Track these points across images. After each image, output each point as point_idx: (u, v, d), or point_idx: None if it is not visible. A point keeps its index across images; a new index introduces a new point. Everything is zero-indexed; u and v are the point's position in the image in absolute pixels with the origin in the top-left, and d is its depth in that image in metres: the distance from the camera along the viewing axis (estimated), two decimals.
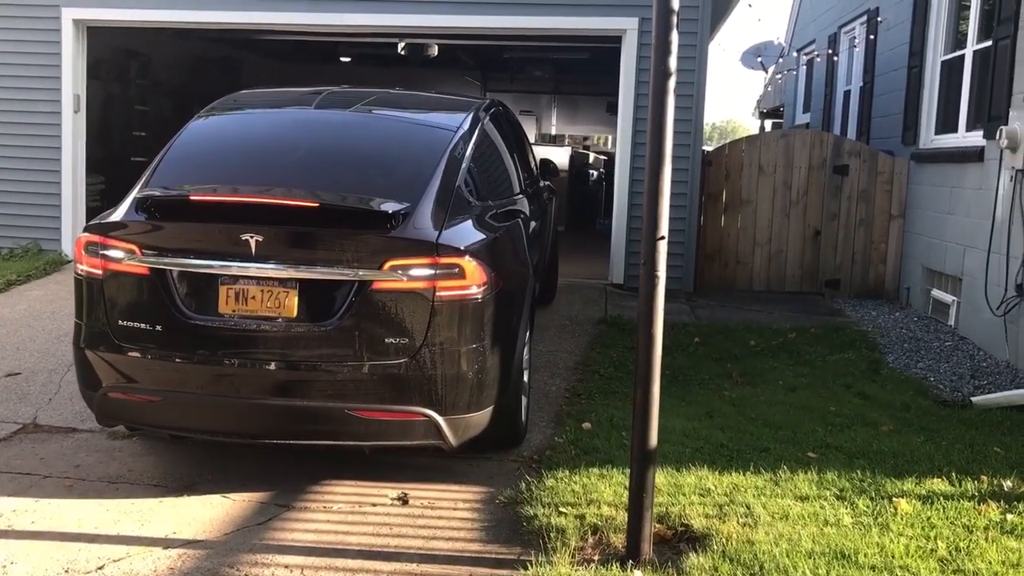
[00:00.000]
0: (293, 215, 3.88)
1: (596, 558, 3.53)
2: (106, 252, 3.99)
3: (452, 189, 4.25)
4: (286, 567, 3.51)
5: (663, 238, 3.42)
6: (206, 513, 3.93)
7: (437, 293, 3.82)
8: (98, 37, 9.88)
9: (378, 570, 3.50)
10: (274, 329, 3.87)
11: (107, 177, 10.67)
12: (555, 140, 23.22)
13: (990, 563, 3.43)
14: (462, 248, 3.92)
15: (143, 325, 3.94)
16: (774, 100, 19.27)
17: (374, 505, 4.07)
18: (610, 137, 31.16)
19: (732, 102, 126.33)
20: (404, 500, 4.11)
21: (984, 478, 4.32)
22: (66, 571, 3.43)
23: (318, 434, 3.98)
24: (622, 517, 3.76)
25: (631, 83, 8.96)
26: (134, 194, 4.24)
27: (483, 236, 4.25)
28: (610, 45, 9.80)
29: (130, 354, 3.97)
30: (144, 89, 13.41)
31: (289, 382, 3.90)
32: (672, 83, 3.41)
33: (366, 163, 4.49)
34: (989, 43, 7.45)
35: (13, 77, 9.49)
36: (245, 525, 3.83)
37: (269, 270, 3.85)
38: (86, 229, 4.12)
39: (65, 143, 9.47)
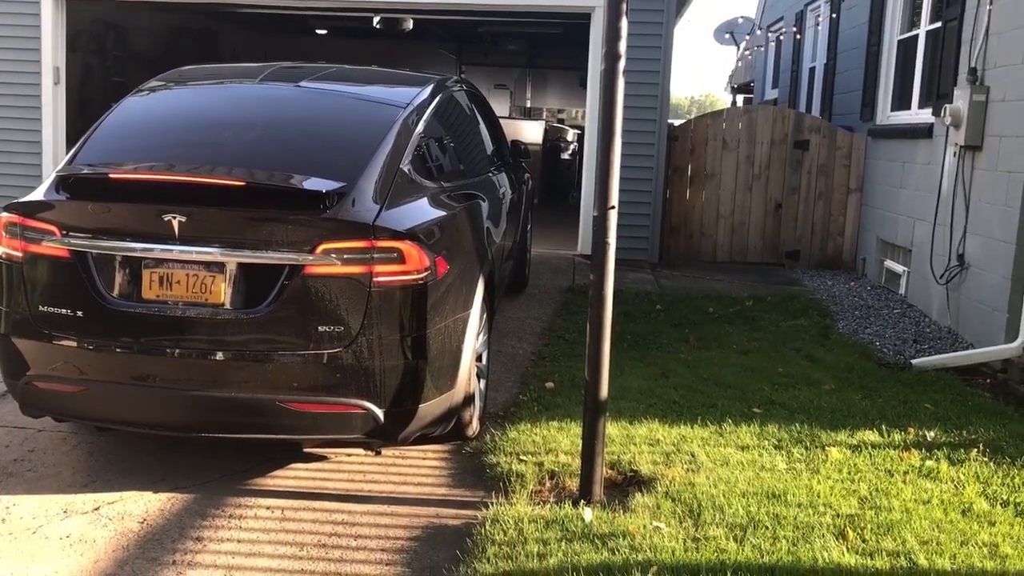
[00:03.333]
0: (220, 195, 3.69)
1: (551, 500, 3.87)
2: (26, 233, 3.81)
3: (396, 168, 4.03)
4: (268, 508, 3.82)
5: (613, 207, 3.73)
6: (190, 461, 4.23)
7: (374, 279, 3.64)
8: (76, 8, 10.01)
9: (352, 511, 3.82)
10: (200, 316, 3.67)
11: None
12: (530, 114, 23.46)
13: (904, 500, 3.82)
14: (402, 231, 3.72)
15: (64, 311, 3.76)
16: (745, 76, 19.59)
17: (349, 456, 4.39)
18: (582, 112, 31.43)
19: (710, 76, 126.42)
20: (377, 452, 4.42)
21: (911, 430, 4.70)
22: (64, 511, 3.73)
23: (249, 427, 3.82)
24: (577, 464, 4.09)
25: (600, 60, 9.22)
26: (56, 171, 4.06)
27: (430, 218, 4.09)
28: (580, 22, 10.06)
29: (52, 342, 3.79)
30: (121, 61, 13.51)
31: (217, 372, 3.68)
32: (622, 65, 3.72)
33: (306, 140, 4.25)
34: (940, 24, 7.80)
35: None
36: (228, 472, 4.14)
37: (193, 253, 3.66)
38: (5, 209, 3.92)
39: (45, 116, 9.64)
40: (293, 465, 4.27)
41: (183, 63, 5.37)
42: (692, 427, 4.67)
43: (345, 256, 3.65)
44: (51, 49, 9.59)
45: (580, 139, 17.80)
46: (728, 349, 6.42)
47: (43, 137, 9.68)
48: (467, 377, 4.29)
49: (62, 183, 3.95)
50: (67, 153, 9.86)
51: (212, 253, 3.67)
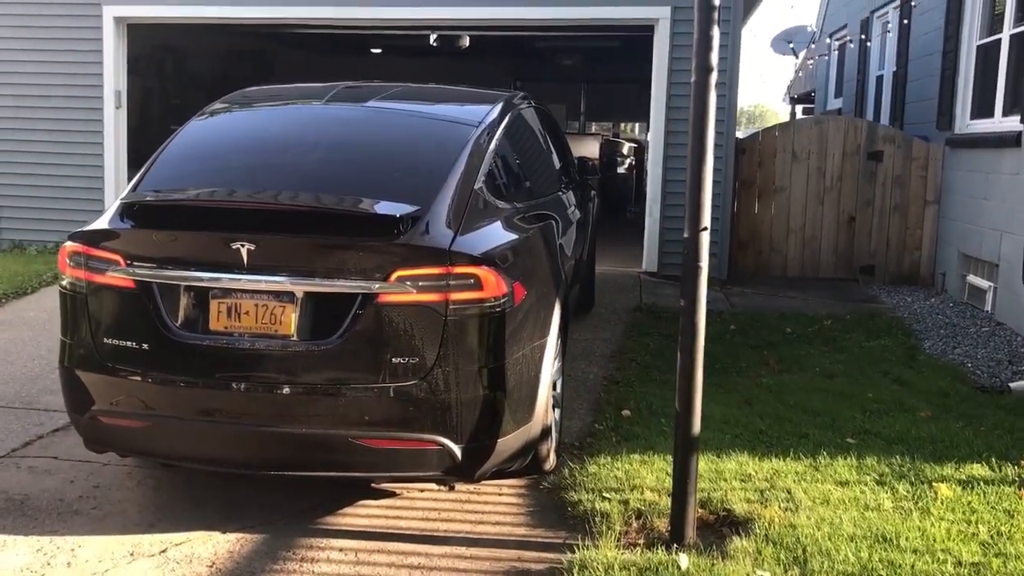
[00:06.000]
0: (290, 221, 3.58)
1: (641, 542, 3.62)
2: (90, 263, 3.68)
3: (471, 189, 3.86)
4: (340, 550, 3.62)
5: (706, 228, 3.49)
6: (258, 498, 4.05)
7: (450, 306, 3.44)
8: (137, 33, 10.07)
9: (430, 553, 3.61)
10: (270, 348, 3.51)
11: None
12: (586, 129, 23.23)
13: None
14: (478, 255, 3.53)
15: (129, 343, 3.62)
16: (805, 85, 19.15)
17: (421, 491, 4.18)
18: (638, 125, 31.12)
19: (761, 87, 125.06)
20: (451, 487, 4.20)
21: None
22: (131, 554, 3.57)
23: (319, 464, 3.63)
24: (665, 502, 3.85)
25: (664, 72, 8.99)
26: (121, 198, 3.93)
27: (505, 242, 3.90)
28: (642, 34, 9.83)
29: (116, 375, 3.66)
30: (180, 84, 13.62)
31: (286, 407, 3.52)
32: (714, 78, 3.47)
33: (376, 162, 4.09)
34: None
35: (56, 75, 9.71)
36: (297, 510, 3.95)
37: (262, 282, 3.49)
38: (70, 237, 3.79)
39: (107, 139, 9.68)
40: (364, 502, 4.07)
41: (240, 85, 5.26)
42: (784, 460, 4.38)
43: (420, 283, 3.46)
44: (113, 73, 9.64)
45: (636, 153, 17.54)
46: (811, 372, 6.10)
47: (105, 162, 9.72)
48: (544, 408, 4.07)
49: (127, 210, 3.82)
50: (128, 178, 9.96)
51: (281, 282, 3.51)
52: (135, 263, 3.63)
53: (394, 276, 3.45)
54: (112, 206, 3.92)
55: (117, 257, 3.65)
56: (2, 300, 7.73)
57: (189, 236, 3.64)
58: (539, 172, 5.32)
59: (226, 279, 3.53)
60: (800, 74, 19.53)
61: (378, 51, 17.34)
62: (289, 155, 4.16)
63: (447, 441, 3.54)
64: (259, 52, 15.68)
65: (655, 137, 9.13)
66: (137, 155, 10.50)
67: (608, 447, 4.61)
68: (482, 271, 3.52)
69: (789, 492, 3.99)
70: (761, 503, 3.88)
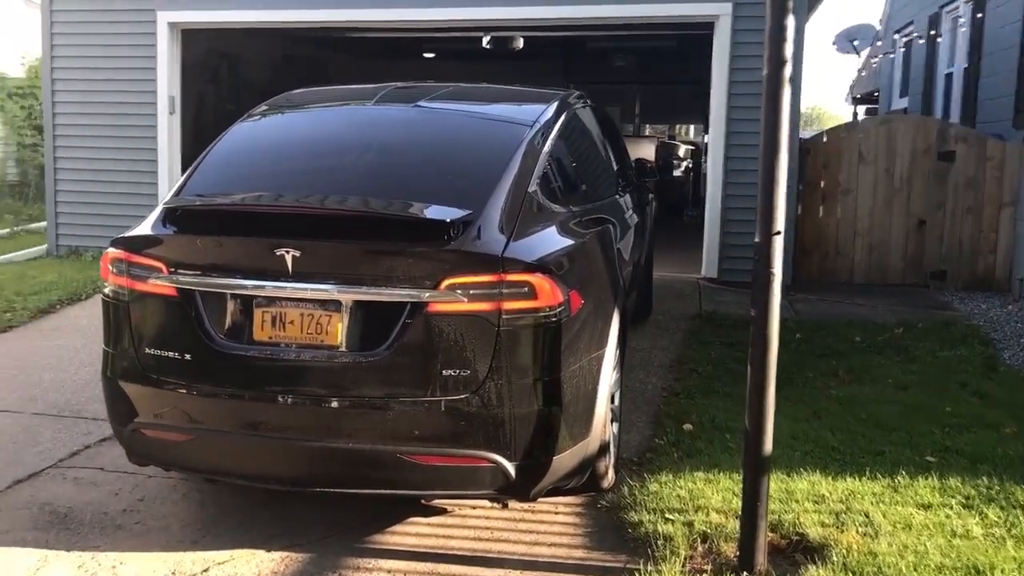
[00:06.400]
0: (336, 226, 3.43)
1: (708, 568, 3.38)
2: (132, 270, 3.56)
3: (524, 192, 3.67)
4: (389, 572, 3.45)
5: (779, 232, 3.25)
6: (303, 514, 3.90)
7: (503, 316, 3.26)
8: (190, 39, 10.08)
9: None
10: (315, 359, 3.36)
11: None
12: (640, 131, 22.90)
13: None
14: (532, 262, 3.34)
15: (171, 353, 3.50)
16: (868, 85, 18.61)
17: (473, 508, 3.99)
18: (692, 127, 30.66)
19: (818, 88, 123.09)
20: (503, 504, 4.00)
21: None
22: (172, 573, 3.43)
23: (367, 481, 3.47)
24: (733, 525, 3.61)
25: (724, 71, 8.70)
26: (163, 203, 3.81)
27: (560, 247, 3.68)
28: (700, 32, 9.55)
29: (159, 387, 3.53)
30: (233, 89, 13.65)
31: (333, 421, 3.36)
32: (787, 72, 3.22)
33: (426, 164, 3.93)
34: None
35: (111, 80, 9.75)
36: (343, 527, 3.79)
37: (308, 290, 3.34)
38: (112, 244, 3.66)
39: (161, 145, 9.68)
40: (412, 519, 3.89)
41: (292, 89, 5.12)
42: (860, 480, 4.10)
43: (471, 292, 3.28)
44: (167, 79, 9.64)
45: (692, 155, 17.20)
46: (883, 384, 5.78)
47: (159, 166, 9.73)
48: (603, 423, 3.85)
49: (169, 216, 3.68)
50: None
51: (328, 290, 3.34)
52: (177, 270, 3.50)
53: (444, 284, 3.27)
54: (154, 211, 3.79)
55: (159, 264, 3.52)
56: (56, 306, 7.74)
57: (232, 242, 3.49)
58: (595, 174, 5.11)
59: (270, 287, 3.38)
60: (863, 73, 18.99)
61: (431, 55, 17.25)
62: (336, 158, 4.01)
63: (500, 458, 3.35)
64: (312, 58, 15.69)
65: (715, 138, 8.84)
66: (190, 161, 10.54)
67: (669, 464, 4.38)
68: (536, 278, 3.32)
69: (867, 515, 3.72)
70: (837, 527, 3.61)
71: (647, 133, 22.16)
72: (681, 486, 4.06)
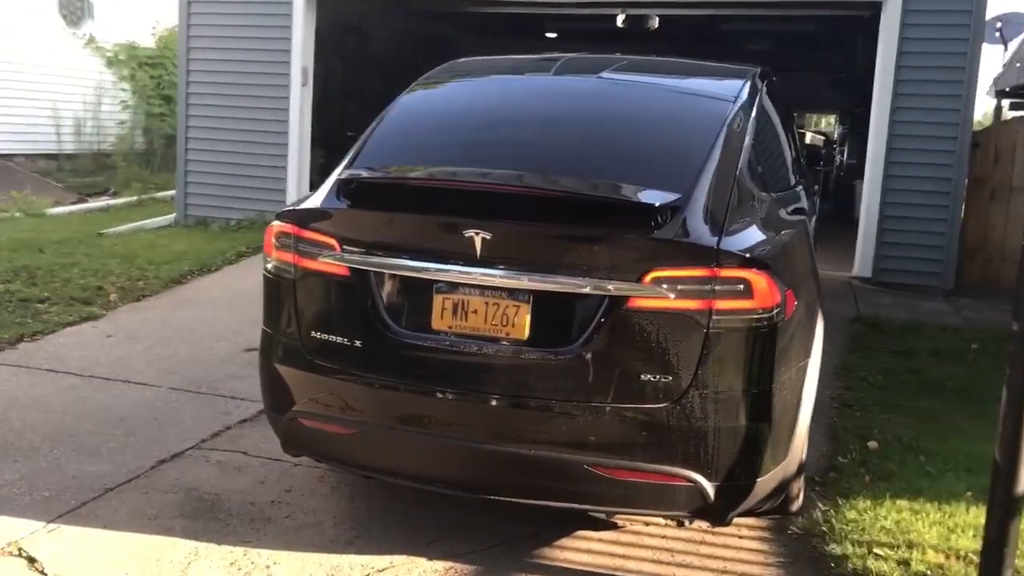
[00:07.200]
0: (532, 207, 3.07)
1: None
2: (300, 246, 3.26)
3: (733, 177, 3.27)
4: None
5: None
6: (461, 518, 3.57)
7: (713, 316, 2.89)
8: (325, 9, 9.89)
9: None
10: (499, 353, 3.04)
11: (327, 151, 10.74)
12: None
13: None
14: (749, 256, 2.96)
15: (340, 339, 3.19)
16: (1018, 77, 17.33)
17: (647, 524, 3.60)
18: (827, 118, 29.41)
19: None
20: (679, 521, 3.60)
21: None
22: None
23: (547, 493, 3.11)
24: (957, 568, 3.16)
25: (891, 58, 8.00)
26: (336, 175, 3.46)
27: (774, 240, 3.31)
28: (855, 13, 8.93)
29: (324, 374, 3.24)
30: (360, 63, 13.50)
31: (515, 423, 3.05)
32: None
33: (621, 141, 3.57)
34: None
35: (245, 50, 9.65)
36: (508, 538, 3.45)
37: (497, 277, 3.00)
38: (278, 216, 3.40)
39: (292, 116, 9.53)
40: (582, 533, 3.53)
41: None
42: None
43: (679, 287, 2.89)
44: (300, 49, 9.47)
45: (828, 146, 16.36)
46: None
47: (289, 138, 9.57)
48: (803, 442, 3.44)
49: (343, 188, 3.33)
50: (310, 155, 9.82)
51: (519, 278, 2.99)
52: (351, 248, 3.18)
53: (649, 277, 2.89)
54: (326, 183, 3.47)
55: (331, 241, 3.20)
56: (187, 276, 7.65)
57: (414, 220, 3.16)
58: (783, 160, 4.63)
59: (455, 271, 3.04)
60: (1018, 64, 17.71)
61: (553, 36, 16.83)
62: (520, 132, 3.65)
63: (699, 478, 2.95)
64: (438, 36, 15.45)
65: (876, 130, 8.17)
66: (317, 137, 10.39)
67: (860, 487, 3.92)
68: (753, 275, 2.91)
69: None
70: None
71: None
72: (884, 516, 3.60)
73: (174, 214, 10.32)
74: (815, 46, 14.82)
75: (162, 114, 15.47)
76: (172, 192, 12.91)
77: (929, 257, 8.00)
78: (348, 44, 13.12)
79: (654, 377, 2.93)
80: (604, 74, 4.03)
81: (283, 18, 9.43)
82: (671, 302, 2.89)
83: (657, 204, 2.96)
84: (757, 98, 3.91)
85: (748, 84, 3.94)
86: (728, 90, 3.82)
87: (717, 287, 2.88)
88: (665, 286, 2.88)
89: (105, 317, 6.36)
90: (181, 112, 10.08)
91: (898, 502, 3.70)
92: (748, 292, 2.90)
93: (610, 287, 2.91)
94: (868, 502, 3.71)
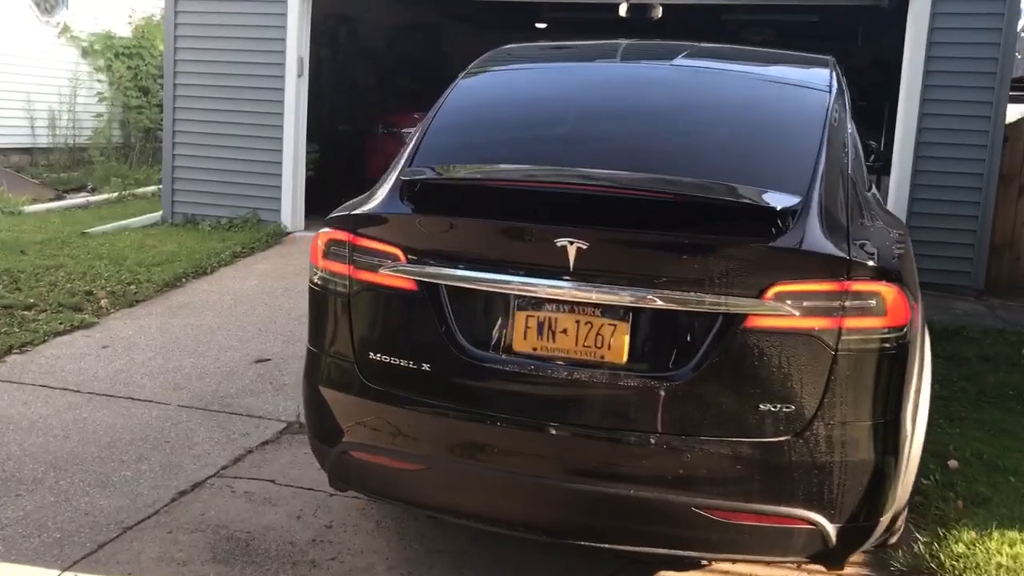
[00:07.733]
0: (634, 212, 2.71)
1: None
2: (357, 256, 2.87)
3: (844, 175, 2.92)
4: None
5: None
6: (524, 556, 3.18)
7: (843, 336, 2.54)
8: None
9: None
10: (593, 379, 2.66)
11: (320, 146, 10.26)
12: None
13: None
14: (882, 268, 2.60)
15: (404, 362, 2.81)
16: (1019, 68, 17.18)
17: (733, 563, 3.23)
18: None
19: None
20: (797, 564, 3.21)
21: None
22: None
23: (647, 538, 2.74)
24: None
25: (919, 53, 7.64)
26: (396, 174, 3.05)
27: (896, 247, 2.95)
28: (874, 3, 8.62)
29: (383, 401, 2.85)
30: (351, 55, 13.01)
31: (608, 459, 2.67)
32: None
33: (716, 136, 3.19)
34: None
35: (239, 39, 9.11)
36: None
37: (592, 293, 2.63)
38: (328, 222, 2.99)
39: (288, 109, 9.02)
40: (665, 573, 3.15)
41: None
42: None
43: (805, 303, 2.52)
44: (296, 39, 8.96)
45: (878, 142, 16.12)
46: None
47: (284, 131, 9.06)
48: (916, 470, 3.07)
49: (407, 190, 2.93)
50: (306, 148, 9.31)
51: (618, 294, 2.60)
52: (417, 259, 2.77)
53: (771, 292, 2.53)
54: (385, 184, 3.04)
55: (395, 250, 2.79)
56: (182, 279, 7.16)
57: (494, 228, 2.77)
58: (863, 156, 4.27)
59: (544, 286, 2.66)
60: (1019, 55, 17.56)
61: (542, 26, 16.42)
62: (599, 125, 3.25)
63: (822, 519, 2.59)
64: (428, 25, 15.00)
65: (904, 129, 7.80)
66: (312, 129, 9.89)
67: (955, 513, 3.57)
68: (886, 288, 2.56)
69: None
70: None
71: None
72: (995, 549, 3.26)
73: (160, 212, 9.78)
74: (817, 39, 14.53)
75: (140, 106, 14.86)
76: (153, 188, 12.39)
77: (956, 256, 7.70)
78: (340, 35, 12.63)
79: (774, 407, 2.56)
80: (677, 61, 3.63)
81: (278, 4, 8.93)
82: (795, 320, 2.53)
83: (779, 208, 2.59)
84: (844, 88, 3.56)
85: (834, 72, 3.58)
86: (820, 79, 3.44)
87: (847, 303, 2.53)
88: (790, 302, 2.52)
89: (98, 325, 5.89)
90: (168, 104, 9.54)
91: (1008, 533, 3.36)
92: (880, 308, 2.55)
93: (726, 304, 2.54)
94: (973, 533, 3.37)
